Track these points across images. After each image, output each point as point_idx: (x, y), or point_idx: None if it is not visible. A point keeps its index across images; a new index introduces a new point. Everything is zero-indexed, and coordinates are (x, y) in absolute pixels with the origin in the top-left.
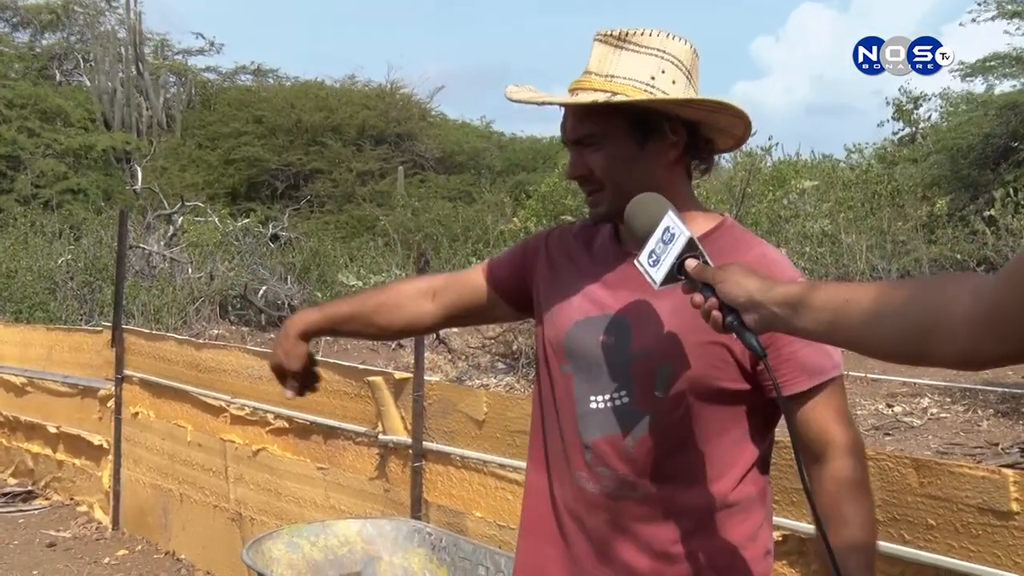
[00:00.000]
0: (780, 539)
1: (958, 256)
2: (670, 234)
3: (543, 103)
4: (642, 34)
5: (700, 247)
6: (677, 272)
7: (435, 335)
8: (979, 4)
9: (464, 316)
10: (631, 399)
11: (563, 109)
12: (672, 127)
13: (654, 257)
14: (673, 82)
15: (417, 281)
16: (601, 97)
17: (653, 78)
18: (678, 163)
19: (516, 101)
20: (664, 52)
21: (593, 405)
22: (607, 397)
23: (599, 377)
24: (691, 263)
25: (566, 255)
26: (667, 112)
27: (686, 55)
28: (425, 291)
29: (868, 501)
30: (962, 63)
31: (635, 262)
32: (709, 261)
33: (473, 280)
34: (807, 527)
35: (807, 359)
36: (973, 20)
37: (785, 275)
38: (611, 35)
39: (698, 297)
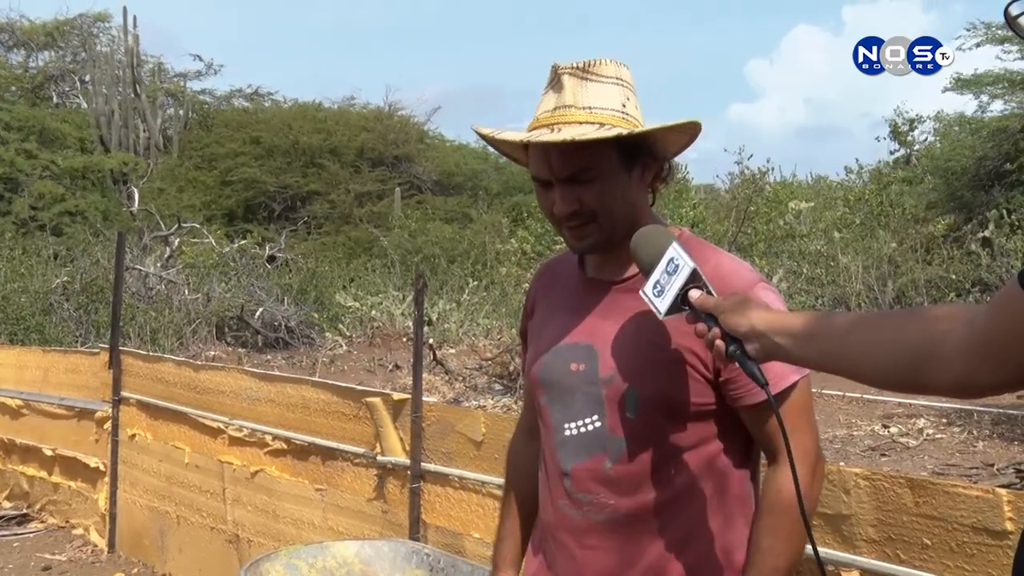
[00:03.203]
0: None
1: (953, 277)
2: (674, 265)
3: (535, 141)
4: (599, 64)
5: (704, 278)
6: (681, 302)
7: (432, 356)
8: (967, 31)
9: None
10: (604, 423)
11: (531, 148)
12: (651, 152)
13: (659, 288)
14: (636, 108)
15: (516, 444)
16: (610, 132)
17: (624, 106)
18: (649, 184)
19: (500, 141)
20: (621, 80)
21: (567, 432)
22: (581, 423)
23: (572, 404)
24: (695, 294)
25: (544, 294)
26: (649, 138)
27: (632, 81)
28: (529, 440)
29: (796, 533)
30: (958, 74)
31: (640, 292)
32: (712, 292)
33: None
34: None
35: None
36: (966, 47)
37: (744, 282)
38: (577, 68)
39: (701, 327)
